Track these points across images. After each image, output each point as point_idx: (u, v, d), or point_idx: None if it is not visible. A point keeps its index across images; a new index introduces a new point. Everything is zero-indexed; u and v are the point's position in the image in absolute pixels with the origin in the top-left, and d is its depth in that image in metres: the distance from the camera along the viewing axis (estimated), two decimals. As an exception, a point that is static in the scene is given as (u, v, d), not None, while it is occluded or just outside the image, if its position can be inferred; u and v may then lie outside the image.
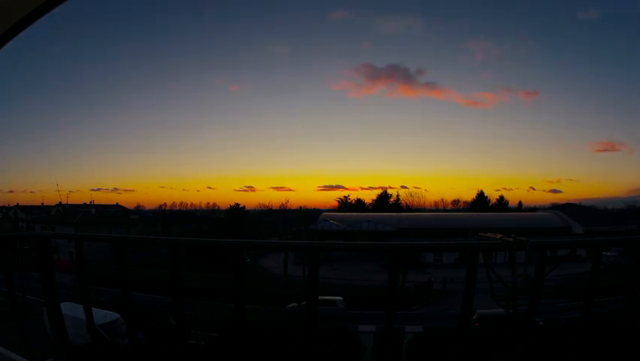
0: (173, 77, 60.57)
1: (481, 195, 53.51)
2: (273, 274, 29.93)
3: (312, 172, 68.11)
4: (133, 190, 61.95)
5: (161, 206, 59.97)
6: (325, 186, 72.25)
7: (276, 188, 73.29)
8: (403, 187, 57.71)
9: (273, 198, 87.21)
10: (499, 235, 2.43)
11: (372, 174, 73.10)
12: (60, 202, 45.73)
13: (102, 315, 12.06)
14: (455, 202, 58.70)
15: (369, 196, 62.63)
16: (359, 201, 55.82)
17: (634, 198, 45.81)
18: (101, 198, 64.85)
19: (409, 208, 54.32)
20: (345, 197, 56.75)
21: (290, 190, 71.58)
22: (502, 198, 54.03)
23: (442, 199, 59.20)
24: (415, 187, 63.29)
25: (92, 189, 66.13)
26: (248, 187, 64.59)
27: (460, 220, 41.32)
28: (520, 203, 54.69)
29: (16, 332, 3.04)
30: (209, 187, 69.89)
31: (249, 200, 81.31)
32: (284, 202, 55.90)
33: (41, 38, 35.41)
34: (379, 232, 37.27)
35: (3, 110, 48.31)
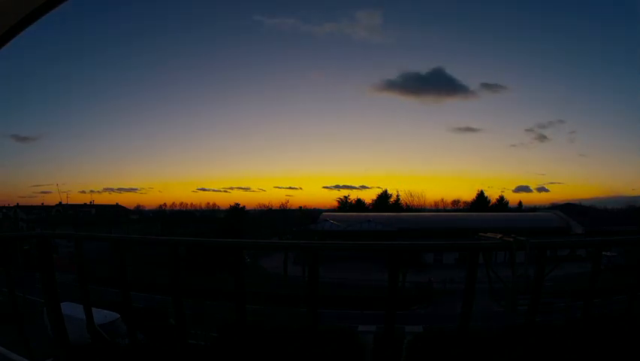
0: (172, 77, 60.40)
1: (481, 195, 53.59)
2: (273, 274, 29.96)
3: (269, 172, 68.06)
4: (133, 190, 61.41)
5: (161, 206, 60.03)
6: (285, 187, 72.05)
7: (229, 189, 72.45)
8: (363, 188, 57.99)
9: (229, 198, 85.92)
10: (499, 235, 2.43)
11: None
12: (60, 202, 45.82)
13: (102, 315, 12.06)
14: (455, 202, 58.76)
15: (369, 197, 62.40)
16: (359, 201, 55.86)
17: (635, 199, 45.78)
18: (101, 199, 64.89)
19: (409, 208, 54.34)
20: (345, 197, 56.84)
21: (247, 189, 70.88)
22: (502, 198, 54.13)
23: (442, 199, 59.26)
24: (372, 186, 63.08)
25: (92, 190, 65.87)
26: (200, 189, 64.85)
27: (460, 220, 41.32)
28: (520, 203, 54.81)
29: (16, 332, 3.05)
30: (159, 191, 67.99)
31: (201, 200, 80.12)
32: (284, 202, 55.95)
33: (41, 38, 35.38)
34: (379, 232, 37.26)
35: (3, 110, 48.29)
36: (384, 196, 55.70)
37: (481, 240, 2.75)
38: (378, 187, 60.05)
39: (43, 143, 61.34)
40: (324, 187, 76.05)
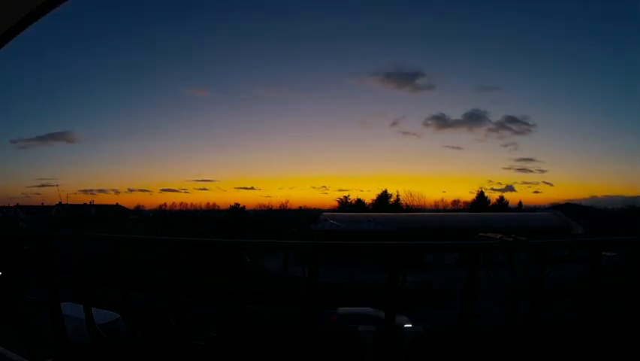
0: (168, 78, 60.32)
1: (481, 195, 53.55)
2: (273, 274, 29.97)
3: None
4: (133, 191, 61.25)
5: (161, 206, 59.98)
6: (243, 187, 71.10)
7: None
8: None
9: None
10: (499, 235, 2.43)
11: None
12: (60, 202, 45.90)
13: (102, 315, 12.04)
14: (455, 202, 58.72)
15: (369, 197, 62.33)
16: (359, 201, 55.84)
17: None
18: (101, 199, 64.77)
19: (409, 208, 54.35)
20: (345, 197, 56.80)
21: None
22: (502, 198, 54.08)
23: (442, 199, 59.19)
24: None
25: (92, 190, 65.71)
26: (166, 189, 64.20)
27: (460, 220, 41.31)
28: (520, 203, 54.74)
29: (16, 332, 3.05)
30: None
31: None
32: (284, 202, 55.91)
33: (38, 37, 35.39)
34: (379, 232, 37.24)
35: (3, 110, 48.29)
36: (384, 196, 55.68)
37: (481, 240, 2.76)
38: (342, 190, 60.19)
39: (43, 142, 61.29)
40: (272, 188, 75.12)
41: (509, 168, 63.40)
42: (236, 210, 49.41)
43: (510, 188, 54.17)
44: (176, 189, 61.50)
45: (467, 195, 57.53)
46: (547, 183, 54.49)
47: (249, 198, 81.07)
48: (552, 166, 55.49)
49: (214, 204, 59.98)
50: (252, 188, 63.29)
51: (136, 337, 5.55)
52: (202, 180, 69.47)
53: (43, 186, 62.72)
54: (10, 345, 3.00)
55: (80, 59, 52.11)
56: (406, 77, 53.41)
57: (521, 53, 51.89)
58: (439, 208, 57.13)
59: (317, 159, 66.47)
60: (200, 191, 73.54)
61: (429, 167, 68.57)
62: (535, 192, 63.37)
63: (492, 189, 58.18)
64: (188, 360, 4.00)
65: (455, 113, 65.49)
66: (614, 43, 46.16)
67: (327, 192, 63.51)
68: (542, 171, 52.75)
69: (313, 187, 69.19)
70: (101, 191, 55.92)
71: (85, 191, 57.72)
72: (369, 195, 62.06)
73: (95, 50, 51.98)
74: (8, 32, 1.76)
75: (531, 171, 55.52)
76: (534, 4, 45.28)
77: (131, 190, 57.65)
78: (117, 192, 55.99)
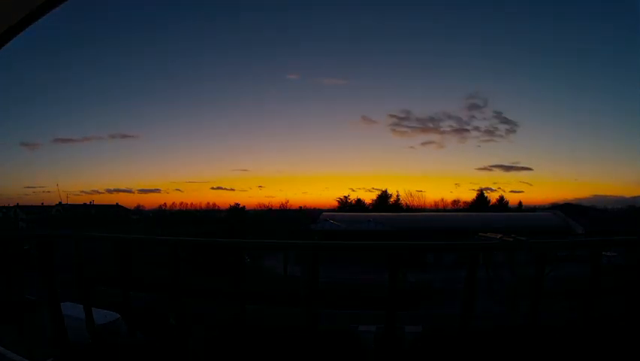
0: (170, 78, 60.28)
1: (481, 195, 53.57)
2: (273, 274, 29.98)
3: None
4: (132, 191, 61.23)
5: (160, 206, 59.96)
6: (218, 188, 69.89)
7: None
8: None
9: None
10: (499, 235, 2.44)
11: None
12: (60, 202, 45.94)
13: (102, 315, 12.04)
14: (455, 202, 58.69)
15: (369, 197, 62.26)
16: (359, 201, 55.90)
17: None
18: (101, 199, 64.73)
19: (409, 208, 54.37)
20: (345, 197, 56.84)
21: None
22: (502, 198, 54.08)
23: (442, 199, 59.18)
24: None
25: (92, 191, 65.75)
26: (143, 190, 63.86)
27: (460, 220, 41.31)
28: (520, 203, 54.73)
29: (16, 332, 3.05)
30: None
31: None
32: (284, 202, 55.96)
33: (40, 40, 35.36)
34: (379, 232, 37.26)
35: (3, 110, 48.27)
36: (384, 196, 55.71)
37: (481, 240, 2.76)
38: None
39: (42, 143, 61.27)
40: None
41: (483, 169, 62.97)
42: (236, 210, 49.45)
43: (488, 188, 54.06)
44: (152, 189, 61.49)
45: (449, 195, 57.24)
46: (526, 183, 54.70)
47: (223, 198, 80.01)
48: (538, 166, 55.55)
49: (214, 204, 59.96)
50: (220, 188, 63.11)
51: (136, 337, 5.56)
52: (191, 182, 69.17)
53: (41, 187, 62.98)
54: (10, 345, 3.00)
55: (79, 60, 52.17)
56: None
57: (521, 55, 51.99)
58: (439, 208, 57.17)
59: (315, 158, 66.29)
60: (176, 192, 73.39)
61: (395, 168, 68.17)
62: (512, 191, 63.07)
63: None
64: (188, 360, 4.01)
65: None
66: (615, 42, 46.18)
67: (307, 192, 63.17)
68: (507, 169, 52.81)
69: (304, 192, 69.10)
70: (83, 192, 56.09)
71: (68, 192, 57.93)
72: (369, 195, 62.19)
73: (94, 50, 51.98)
74: (8, 32, 1.76)
75: (489, 169, 55.53)
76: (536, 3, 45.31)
77: (109, 191, 57.91)
78: (97, 192, 56.16)
